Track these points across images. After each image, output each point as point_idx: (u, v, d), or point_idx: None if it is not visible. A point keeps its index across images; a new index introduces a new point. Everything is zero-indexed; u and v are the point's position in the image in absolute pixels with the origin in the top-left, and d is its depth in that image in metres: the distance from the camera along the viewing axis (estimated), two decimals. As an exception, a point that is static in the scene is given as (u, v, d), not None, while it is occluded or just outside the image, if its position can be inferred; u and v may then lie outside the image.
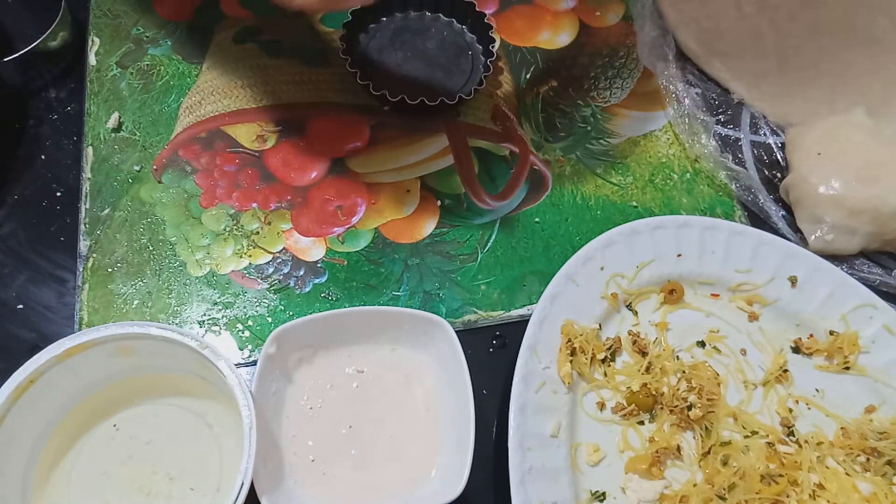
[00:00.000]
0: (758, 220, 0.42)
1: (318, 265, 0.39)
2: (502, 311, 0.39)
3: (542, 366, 0.34)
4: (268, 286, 0.38)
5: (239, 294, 0.38)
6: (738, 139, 0.45)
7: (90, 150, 0.41)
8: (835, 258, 0.39)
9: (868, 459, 0.34)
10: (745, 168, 0.44)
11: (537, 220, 0.41)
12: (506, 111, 0.45)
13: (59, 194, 0.40)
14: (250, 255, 0.39)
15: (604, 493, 0.33)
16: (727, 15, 0.48)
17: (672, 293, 0.38)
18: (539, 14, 0.48)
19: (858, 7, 0.48)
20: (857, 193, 0.40)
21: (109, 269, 0.38)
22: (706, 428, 0.35)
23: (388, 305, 0.38)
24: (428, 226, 0.41)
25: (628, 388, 0.36)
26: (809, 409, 0.36)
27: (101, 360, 0.31)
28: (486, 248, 0.40)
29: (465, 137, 0.43)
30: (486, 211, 0.41)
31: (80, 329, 0.36)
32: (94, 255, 0.38)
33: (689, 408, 0.35)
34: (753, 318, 0.38)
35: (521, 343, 0.34)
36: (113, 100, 0.43)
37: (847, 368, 0.37)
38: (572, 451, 0.34)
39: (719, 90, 0.46)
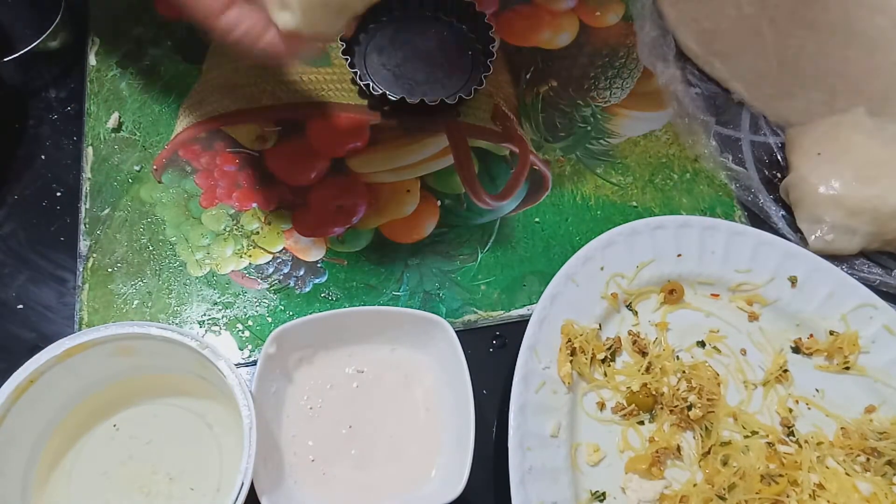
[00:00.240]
0: (758, 220, 0.42)
1: (318, 265, 0.39)
2: (502, 311, 0.39)
3: (542, 366, 0.34)
4: (268, 286, 0.38)
5: (239, 294, 0.38)
6: (738, 139, 0.45)
7: (90, 150, 0.41)
8: (835, 258, 0.39)
9: (868, 459, 0.34)
10: (745, 168, 0.44)
11: (537, 220, 0.41)
12: (506, 111, 0.45)
13: (59, 194, 0.40)
14: (250, 255, 0.39)
15: (604, 493, 0.33)
16: (727, 15, 0.48)
17: (672, 293, 0.38)
18: (539, 14, 0.48)
19: (858, 7, 0.48)
20: (856, 193, 0.40)
21: (109, 269, 0.38)
22: (706, 428, 0.35)
23: (388, 305, 0.38)
24: (428, 226, 0.41)
25: (628, 388, 0.36)
26: (809, 409, 0.36)
27: (101, 360, 0.31)
28: (486, 248, 0.40)
29: (465, 137, 0.43)
30: (486, 211, 0.41)
31: (80, 329, 0.36)
32: (95, 255, 0.38)
33: (689, 408, 0.35)
34: (753, 318, 0.38)
35: (521, 343, 0.34)
36: (113, 100, 0.43)
37: (847, 368, 0.37)
38: (572, 451, 0.34)
39: (719, 90, 0.46)
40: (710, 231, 0.38)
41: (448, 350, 0.33)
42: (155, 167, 0.41)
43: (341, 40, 0.43)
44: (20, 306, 0.37)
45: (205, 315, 0.37)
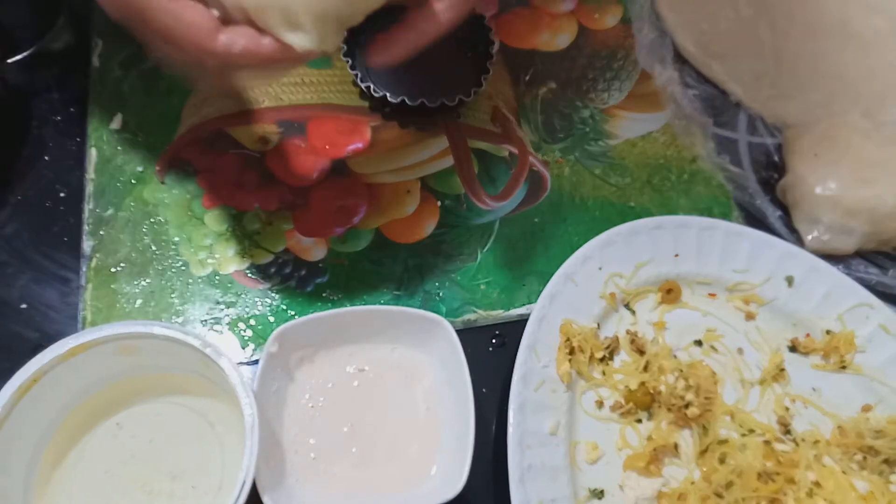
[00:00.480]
0: (755, 220, 0.42)
1: (320, 265, 0.39)
2: (502, 311, 0.39)
3: (542, 365, 0.35)
4: (270, 286, 0.39)
5: (241, 294, 0.38)
6: (736, 140, 0.45)
7: (93, 151, 0.41)
8: (831, 258, 0.40)
9: (864, 458, 0.34)
10: (743, 169, 0.44)
11: (536, 220, 0.42)
12: (505, 113, 0.45)
13: (62, 195, 0.40)
14: (252, 256, 0.39)
15: (602, 491, 0.34)
16: (725, 17, 0.48)
17: (670, 293, 0.38)
18: (538, 16, 0.49)
19: (856, 9, 0.49)
20: (853, 194, 0.40)
21: (113, 269, 0.38)
22: (703, 426, 0.35)
23: (388, 305, 0.38)
24: (428, 226, 0.41)
25: (626, 386, 0.36)
26: (806, 407, 0.36)
27: (104, 360, 0.31)
28: (486, 248, 0.41)
29: (465, 139, 0.44)
30: (485, 211, 0.42)
31: (83, 328, 0.37)
32: (98, 255, 0.38)
33: (687, 406, 0.35)
34: (750, 317, 0.39)
35: (520, 342, 0.34)
36: (116, 101, 0.43)
37: (843, 367, 0.37)
38: (571, 449, 0.34)
39: (717, 92, 0.47)
40: (707, 231, 0.39)
41: (448, 349, 0.33)
42: (158, 168, 0.41)
43: (343, 43, 0.44)
44: (24, 306, 0.37)
45: (207, 314, 0.38)
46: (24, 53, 0.41)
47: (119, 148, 0.42)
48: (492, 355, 0.38)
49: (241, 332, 0.37)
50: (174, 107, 0.43)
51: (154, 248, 0.39)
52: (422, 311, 0.34)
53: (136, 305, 0.37)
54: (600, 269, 0.37)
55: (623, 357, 0.37)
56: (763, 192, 0.43)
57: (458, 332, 0.33)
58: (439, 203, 0.42)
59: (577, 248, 0.37)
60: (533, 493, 0.31)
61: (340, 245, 0.40)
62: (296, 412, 0.34)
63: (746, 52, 0.47)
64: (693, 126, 0.44)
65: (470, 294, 0.39)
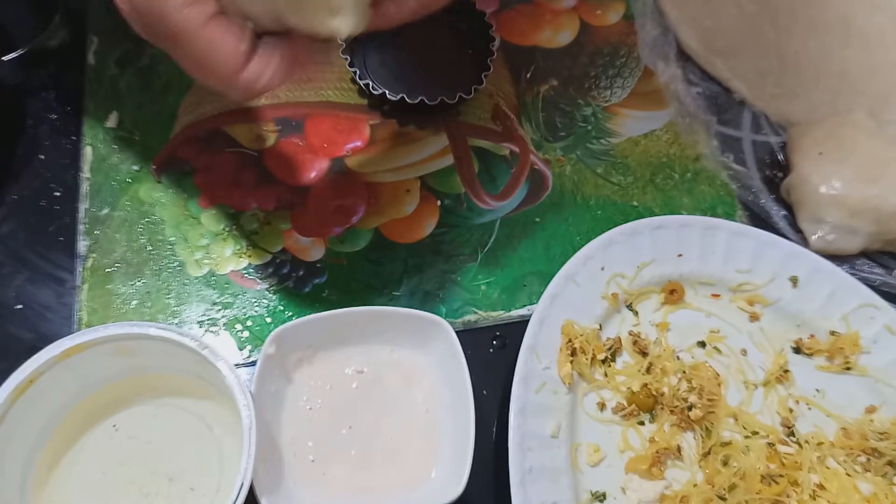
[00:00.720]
0: (759, 220, 0.42)
1: (318, 265, 0.39)
2: (502, 312, 0.39)
3: (543, 366, 0.34)
4: (267, 286, 0.38)
5: (238, 294, 0.38)
6: (740, 139, 0.45)
7: (89, 149, 0.41)
8: (836, 258, 0.39)
9: (868, 460, 0.34)
10: (747, 168, 0.44)
11: (537, 219, 0.41)
12: (506, 111, 0.44)
13: (57, 194, 0.40)
14: (250, 256, 0.39)
15: (604, 494, 0.33)
16: (728, 14, 0.48)
17: (673, 293, 0.38)
18: (539, 13, 0.48)
19: (859, 6, 0.48)
20: (858, 193, 0.40)
21: (108, 269, 0.38)
22: (706, 428, 0.35)
23: (388, 305, 0.38)
24: (428, 226, 0.41)
25: (629, 388, 0.36)
26: (810, 409, 0.36)
27: (100, 361, 0.31)
28: (486, 248, 0.40)
29: (465, 137, 0.43)
30: (486, 211, 0.41)
31: (79, 329, 0.36)
32: (93, 255, 0.38)
33: (690, 408, 0.35)
34: (754, 318, 0.38)
35: (521, 343, 0.34)
36: (112, 99, 0.42)
37: (848, 369, 0.37)
38: (572, 452, 0.34)
39: (720, 89, 0.46)
40: (710, 231, 0.38)
41: (448, 350, 0.33)
42: (154, 167, 0.41)
43: (341, 40, 0.43)
44: (19, 306, 0.37)
45: (204, 315, 0.37)
46: (20, 51, 0.40)
47: (115, 146, 0.41)
48: (492, 357, 0.37)
49: (239, 333, 0.37)
50: (170, 105, 0.43)
51: (150, 247, 0.39)
52: (421, 312, 0.33)
53: (132, 306, 0.37)
54: (602, 269, 0.37)
55: (625, 358, 0.37)
56: (767, 190, 0.43)
57: (459, 333, 0.33)
58: (439, 202, 0.41)
59: (579, 248, 0.37)
60: (534, 496, 0.31)
61: (339, 245, 0.40)
62: (294, 414, 0.33)
63: (750, 50, 0.47)
64: (696, 124, 0.44)
65: (470, 294, 0.39)
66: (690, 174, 0.44)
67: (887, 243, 0.41)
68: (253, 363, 0.36)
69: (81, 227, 0.39)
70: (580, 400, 0.35)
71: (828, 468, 0.34)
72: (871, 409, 0.36)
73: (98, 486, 0.31)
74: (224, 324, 0.37)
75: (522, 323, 0.35)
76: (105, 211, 0.39)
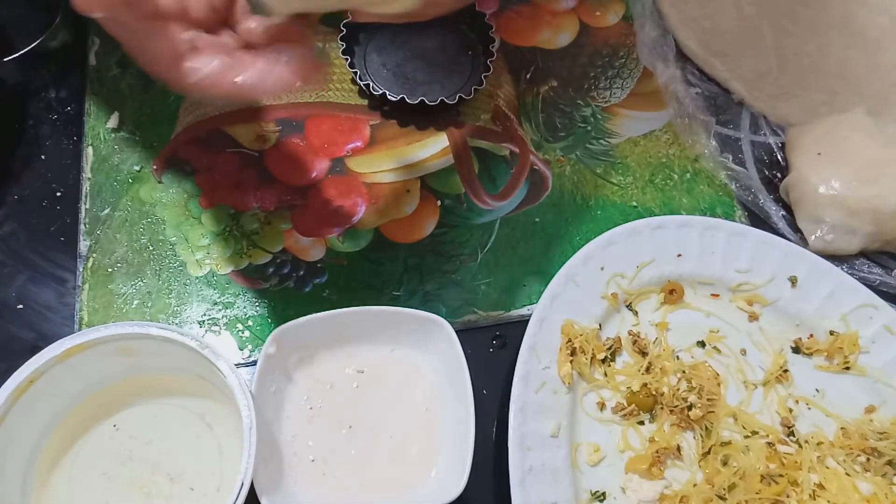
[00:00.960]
0: (758, 220, 0.42)
1: (318, 265, 0.39)
2: (502, 311, 0.39)
3: (543, 366, 0.34)
4: (268, 286, 0.38)
5: (239, 294, 0.38)
6: (738, 139, 0.45)
7: (90, 149, 0.41)
8: (835, 258, 0.39)
9: (868, 459, 0.34)
10: (745, 168, 0.44)
11: (537, 219, 0.41)
12: (506, 111, 0.45)
13: (59, 194, 0.40)
14: (250, 256, 0.39)
15: (604, 493, 0.33)
16: (727, 15, 0.48)
17: (672, 293, 0.38)
18: (539, 14, 0.48)
19: (858, 7, 0.48)
20: (857, 193, 0.40)
21: (109, 269, 0.38)
22: (706, 428, 0.35)
23: (388, 305, 0.38)
24: (428, 226, 0.41)
25: (628, 388, 0.36)
26: (809, 409, 0.36)
27: (101, 360, 0.31)
28: (486, 248, 0.40)
29: (465, 137, 0.43)
30: (486, 211, 0.41)
31: (80, 329, 0.36)
32: (94, 255, 0.38)
33: (690, 408, 0.35)
34: (753, 318, 0.38)
35: (521, 343, 0.34)
36: (113, 99, 0.43)
37: (847, 368, 0.37)
38: (572, 451, 0.34)
39: (719, 90, 0.46)
40: (710, 231, 0.38)
41: (448, 350, 0.33)
42: (155, 167, 0.41)
43: (341, 40, 0.43)
44: (20, 306, 0.37)
45: (205, 315, 0.37)
46: (21, 52, 0.41)
47: (116, 147, 0.41)
48: (492, 356, 0.37)
49: (239, 332, 0.37)
50: (171, 105, 0.43)
51: (151, 247, 0.39)
52: (421, 312, 0.34)
53: (133, 306, 0.37)
54: (602, 269, 0.37)
55: (625, 358, 0.37)
56: (766, 191, 0.43)
57: (459, 332, 0.33)
58: (439, 202, 0.41)
59: (579, 248, 0.37)
60: (534, 496, 0.31)
61: (339, 245, 0.40)
62: (294, 414, 0.33)
63: (749, 51, 0.47)
64: (696, 124, 0.44)
65: (470, 294, 0.39)
66: (690, 174, 0.44)
67: (886, 243, 0.41)
68: (253, 363, 0.36)
69: (82, 227, 0.39)
70: (580, 400, 0.35)
71: (827, 468, 0.34)
72: (870, 409, 0.36)
73: (99, 485, 0.31)
74: (225, 324, 0.37)
75: (522, 323, 0.35)
76: (106, 211, 0.39)
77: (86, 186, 0.40)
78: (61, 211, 0.39)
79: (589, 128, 0.45)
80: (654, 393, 0.35)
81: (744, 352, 0.37)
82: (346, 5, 0.26)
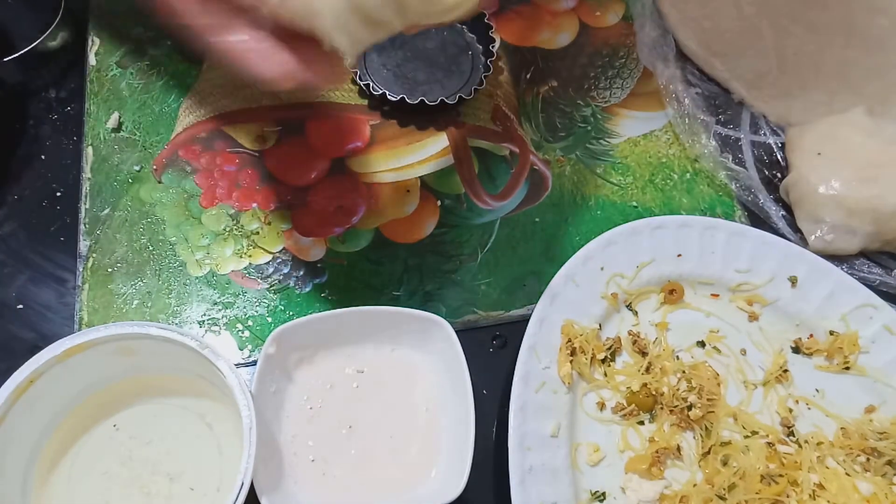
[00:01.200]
0: (758, 220, 0.42)
1: (319, 265, 0.39)
2: (502, 311, 0.39)
3: (542, 366, 0.34)
4: (268, 286, 0.38)
5: (239, 294, 0.38)
6: (738, 139, 0.45)
7: (90, 150, 0.41)
8: (835, 258, 0.39)
9: (868, 459, 0.34)
10: (745, 168, 0.44)
11: (537, 219, 0.41)
12: (506, 111, 0.45)
13: (58, 194, 0.40)
14: (250, 255, 0.39)
15: (604, 493, 0.33)
16: (727, 15, 0.48)
17: (672, 293, 0.38)
18: (539, 14, 0.48)
19: (859, 7, 0.48)
20: (856, 193, 0.40)
21: (109, 269, 0.38)
22: (706, 428, 0.35)
23: (388, 305, 0.38)
24: (428, 226, 0.41)
25: (628, 388, 0.36)
26: (809, 409, 0.36)
27: (101, 360, 0.31)
28: (486, 248, 0.40)
29: (465, 137, 0.43)
30: (486, 211, 0.41)
31: (79, 329, 0.36)
32: (94, 255, 0.38)
33: (689, 408, 0.35)
34: (753, 318, 0.38)
35: (521, 343, 0.34)
36: (113, 100, 0.43)
37: (847, 368, 0.37)
38: (572, 451, 0.34)
39: (719, 90, 0.46)
40: (710, 231, 0.38)
41: (448, 350, 0.33)
42: (155, 167, 0.41)
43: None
44: (20, 306, 0.37)
45: (205, 315, 0.37)
46: (21, 51, 0.41)
47: (116, 147, 0.41)
48: (492, 356, 0.37)
49: (239, 332, 0.37)
50: (171, 105, 0.43)
51: (151, 247, 0.39)
52: (421, 312, 0.34)
53: (133, 306, 0.37)
54: (602, 269, 0.37)
55: (625, 358, 0.37)
56: (766, 191, 0.43)
57: (459, 332, 0.33)
58: (439, 202, 0.41)
59: (579, 248, 0.37)
60: (534, 496, 0.31)
61: (339, 245, 0.40)
62: (294, 414, 0.33)
63: (749, 51, 0.47)
64: (695, 124, 0.44)
65: (470, 294, 0.39)
66: (689, 174, 0.44)
67: (886, 243, 0.41)
68: (253, 363, 0.36)
69: (82, 227, 0.39)
70: (580, 399, 0.35)
71: (827, 468, 0.34)
72: (870, 409, 0.36)
73: (99, 485, 0.31)
74: (225, 323, 0.37)
75: (522, 323, 0.35)
76: (106, 211, 0.39)
77: (86, 186, 0.40)
78: (61, 211, 0.39)
79: (589, 128, 0.45)
80: (654, 393, 0.35)
81: (744, 352, 0.38)
82: (407, 24, 0.26)
